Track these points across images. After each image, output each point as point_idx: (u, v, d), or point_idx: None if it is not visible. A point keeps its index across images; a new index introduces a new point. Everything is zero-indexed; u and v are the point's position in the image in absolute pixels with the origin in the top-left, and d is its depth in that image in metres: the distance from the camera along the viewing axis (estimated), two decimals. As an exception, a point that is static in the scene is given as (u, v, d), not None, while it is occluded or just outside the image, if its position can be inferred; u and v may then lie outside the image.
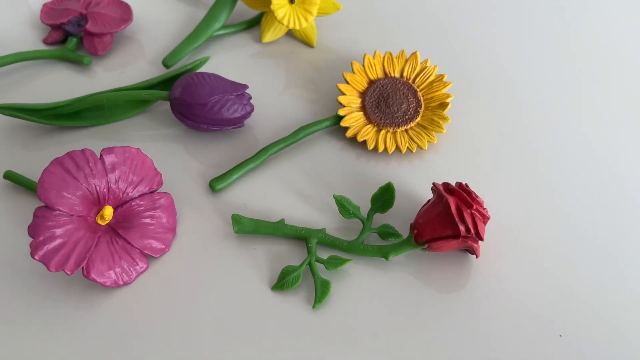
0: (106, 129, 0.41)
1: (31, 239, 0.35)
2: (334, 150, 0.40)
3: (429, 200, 0.34)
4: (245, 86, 0.39)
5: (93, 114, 0.41)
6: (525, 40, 0.48)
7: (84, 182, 0.32)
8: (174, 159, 0.40)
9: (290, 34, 0.47)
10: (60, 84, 0.44)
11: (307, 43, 0.46)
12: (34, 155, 0.40)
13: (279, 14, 0.43)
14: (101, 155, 0.33)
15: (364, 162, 0.39)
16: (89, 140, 0.41)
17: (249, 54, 0.46)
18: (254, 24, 0.48)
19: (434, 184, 0.33)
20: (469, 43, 0.47)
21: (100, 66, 0.45)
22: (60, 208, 0.31)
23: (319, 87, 0.44)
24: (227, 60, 0.46)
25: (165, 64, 0.44)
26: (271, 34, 0.46)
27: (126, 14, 0.46)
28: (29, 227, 0.31)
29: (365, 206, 0.37)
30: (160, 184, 0.35)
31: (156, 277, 0.34)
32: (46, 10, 0.47)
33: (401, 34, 0.48)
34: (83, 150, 0.32)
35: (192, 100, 0.37)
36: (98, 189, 0.32)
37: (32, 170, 0.39)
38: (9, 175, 0.37)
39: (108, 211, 0.32)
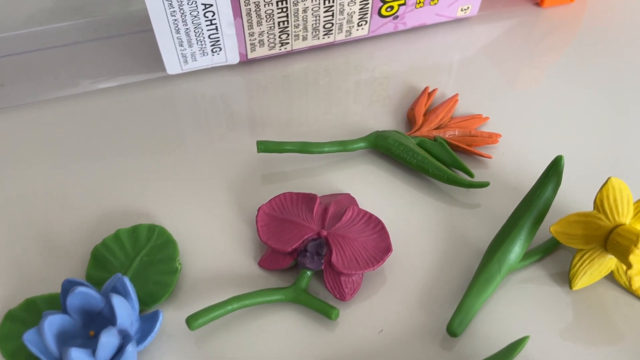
0: None
1: None
2: None
3: None
4: None
5: None
6: None
7: None
8: None
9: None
10: (293, 334, 0.31)
11: (634, 293, 0.33)
12: None
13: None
14: None
15: None
16: None
17: (550, 300, 0.33)
18: (549, 253, 0.34)
19: None
20: None
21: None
22: None
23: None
24: (520, 310, 0.32)
25: (453, 332, 0.30)
26: (586, 279, 0.32)
27: (383, 240, 0.33)
28: None
29: None
30: None
31: None
32: (264, 220, 0.34)
33: None
34: None
35: None
36: None
37: None
38: None
39: None
